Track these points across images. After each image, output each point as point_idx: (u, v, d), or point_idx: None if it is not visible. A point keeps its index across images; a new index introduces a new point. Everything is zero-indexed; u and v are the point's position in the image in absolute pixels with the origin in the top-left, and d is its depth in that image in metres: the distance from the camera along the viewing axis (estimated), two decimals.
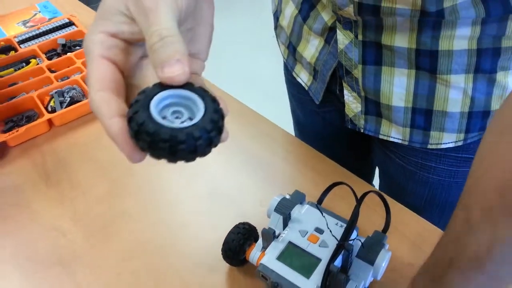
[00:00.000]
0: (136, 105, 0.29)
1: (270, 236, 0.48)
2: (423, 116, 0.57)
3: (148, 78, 0.35)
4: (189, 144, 0.27)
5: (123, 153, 0.31)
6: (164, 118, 0.29)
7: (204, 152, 0.29)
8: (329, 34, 0.59)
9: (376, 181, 0.74)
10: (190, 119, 0.30)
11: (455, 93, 0.54)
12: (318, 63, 0.63)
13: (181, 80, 0.30)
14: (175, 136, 0.27)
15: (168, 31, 0.31)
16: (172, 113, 0.30)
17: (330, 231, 0.47)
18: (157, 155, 0.29)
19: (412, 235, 0.54)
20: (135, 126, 0.28)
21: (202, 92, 0.31)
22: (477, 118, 0.56)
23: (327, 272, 0.43)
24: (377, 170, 0.84)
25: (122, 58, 0.34)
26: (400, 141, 0.61)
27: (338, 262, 0.45)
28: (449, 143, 0.59)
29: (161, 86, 0.30)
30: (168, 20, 0.32)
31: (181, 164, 0.74)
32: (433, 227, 0.55)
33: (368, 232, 0.50)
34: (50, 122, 0.75)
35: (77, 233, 0.58)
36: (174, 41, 0.31)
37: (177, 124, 0.29)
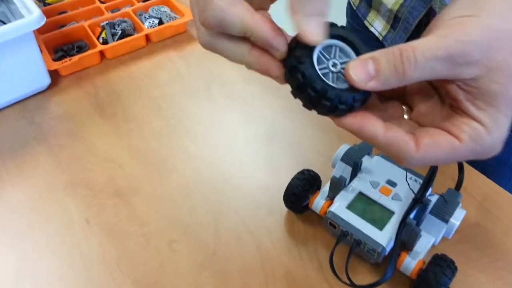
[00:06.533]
0: (298, 53, 0.28)
1: (340, 184, 0.47)
2: None
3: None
4: (347, 105, 0.29)
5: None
6: (321, 67, 0.29)
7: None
8: None
9: None
10: (342, 69, 0.29)
11: None
12: (403, 10, 0.58)
13: (318, 42, 0.28)
14: (339, 97, 0.28)
15: None
16: (328, 63, 0.30)
17: (408, 184, 0.45)
18: (312, 106, 0.29)
19: (479, 196, 0.52)
20: (300, 78, 0.28)
21: (361, 46, 0.30)
22: None
23: (403, 225, 0.42)
24: None
25: None
26: None
27: (412, 216, 0.44)
28: None
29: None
30: None
31: (236, 106, 0.70)
32: (501, 189, 0.53)
33: (437, 192, 0.48)
34: (101, 54, 0.73)
35: (134, 166, 0.57)
36: None
37: (337, 83, 0.29)
